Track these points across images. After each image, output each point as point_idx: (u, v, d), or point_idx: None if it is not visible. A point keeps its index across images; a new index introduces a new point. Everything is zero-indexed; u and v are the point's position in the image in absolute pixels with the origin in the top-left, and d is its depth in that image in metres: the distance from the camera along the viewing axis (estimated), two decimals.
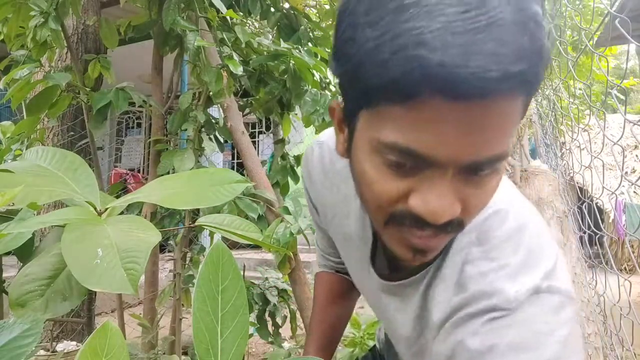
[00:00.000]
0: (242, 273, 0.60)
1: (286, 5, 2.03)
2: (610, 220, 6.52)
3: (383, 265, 0.69)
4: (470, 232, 0.56)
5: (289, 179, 1.99)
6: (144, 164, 7.04)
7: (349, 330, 1.34)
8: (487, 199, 0.49)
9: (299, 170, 2.05)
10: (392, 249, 0.54)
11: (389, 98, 0.42)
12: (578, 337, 0.51)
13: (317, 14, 2.43)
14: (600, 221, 2.15)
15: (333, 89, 2.05)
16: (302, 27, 2.01)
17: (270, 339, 1.88)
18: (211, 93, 1.55)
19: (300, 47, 1.78)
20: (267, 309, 1.88)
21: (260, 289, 1.89)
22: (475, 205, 0.48)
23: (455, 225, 0.49)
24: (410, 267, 0.61)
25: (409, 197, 0.46)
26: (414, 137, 0.43)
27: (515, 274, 0.52)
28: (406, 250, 0.52)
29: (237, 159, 6.78)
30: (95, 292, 2.38)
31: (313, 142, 0.82)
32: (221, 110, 1.67)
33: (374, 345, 1.08)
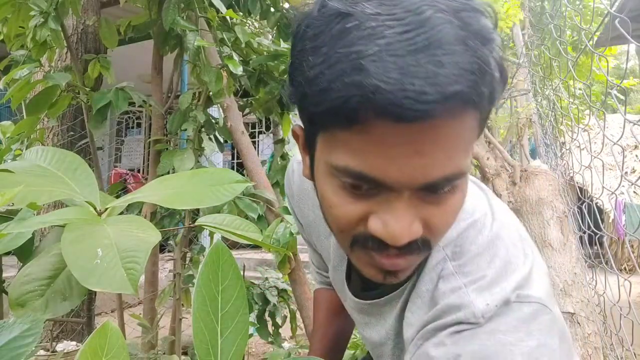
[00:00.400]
0: (242, 273, 0.60)
1: (286, 5, 2.03)
2: (610, 220, 6.52)
3: (357, 285, 0.68)
4: (446, 247, 0.56)
5: None
6: (144, 164, 7.04)
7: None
8: (451, 218, 0.48)
9: None
10: (362, 272, 0.52)
11: (335, 123, 0.42)
12: (553, 346, 0.48)
13: None
14: (600, 221, 2.15)
15: None
16: None
17: (270, 339, 1.88)
18: (211, 93, 1.55)
19: None
20: (267, 309, 1.88)
21: (260, 289, 1.89)
22: (438, 224, 0.47)
23: (421, 245, 0.48)
24: (384, 286, 0.60)
25: (368, 220, 0.46)
26: (364, 161, 0.42)
27: (487, 286, 0.51)
28: (376, 271, 0.51)
29: (237, 159, 6.78)
30: (95, 292, 2.38)
31: (292, 160, 0.83)
32: (221, 110, 1.67)
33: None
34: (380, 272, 0.50)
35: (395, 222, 0.44)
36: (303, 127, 0.52)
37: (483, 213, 0.58)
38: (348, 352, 1.65)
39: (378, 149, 0.41)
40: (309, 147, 0.51)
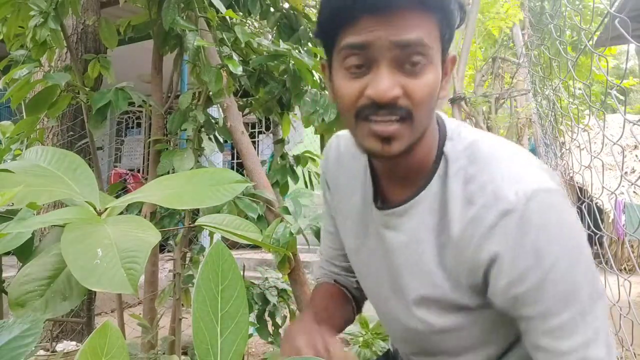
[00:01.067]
0: (241, 273, 0.61)
1: (286, 5, 2.03)
2: (610, 220, 6.52)
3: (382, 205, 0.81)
4: (459, 159, 0.72)
5: (289, 178, 1.99)
6: (143, 164, 7.04)
7: (357, 330, 1.33)
8: (426, 90, 0.65)
9: (298, 170, 2.05)
10: (366, 147, 0.69)
11: (338, 26, 0.66)
12: (574, 222, 0.67)
13: (317, 14, 2.42)
14: (599, 221, 2.15)
15: None
16: (302, 27, 2.01)
17: (270, 339, 1.88)
18: (211, 93, 1.55)
19: (300, 47, 1.78)
20: (267, 309, 1.88)
21: (260, 289, 1.89)
22: (414, 92, 0.64)
23: (405, 112, 0.65)
24: (406, 197, 0.75)
25: (365, 91, 0.65)
26: (357, 36, 0.64)
27: (509, 180, 0.66)
28: (374, 140, 0.67)
29: (237, 159, 6.78)
30: (95, 292, 2.38)
31: (331, 139, 0.98)
32: (221, 110, 1.67)
33: (388, 350, 1.09)
34: (378, 140, 0.66)
35: (380, 83, 0.63)
36: (326, 60, 0.73)
37: (478, 135, 0.75)
38: (356, 348, 1.64)
39: (364, 31, 0.63)
40: (329, 66, 0.72)
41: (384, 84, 0.63)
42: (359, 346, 1.27)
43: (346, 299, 0.99)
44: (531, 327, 0.67)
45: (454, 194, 0.70)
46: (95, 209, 0.70)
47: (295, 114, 2.15)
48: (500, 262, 0.65)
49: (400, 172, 0.76)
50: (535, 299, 0.64)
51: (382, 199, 0.81)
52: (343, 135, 0.93)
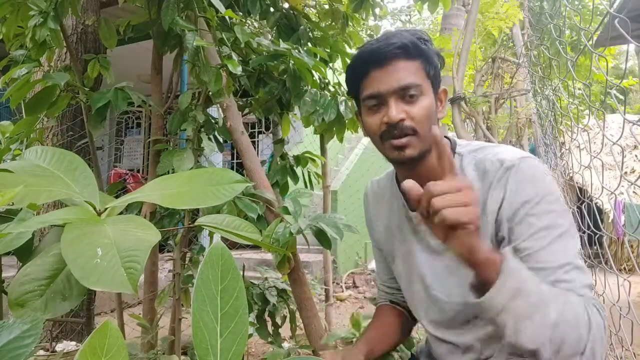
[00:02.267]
0: (241, 273, 0.61)
1: (285, 5, 2.03)
2: (610, 220, 6.52)
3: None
4: (469, 152, 1.00)
5: (289, 179, 1.99)
6: (143, 164, 7.03)
7: (350, 332, 1.34)
8: (423, 112, 0.94)
9: (298, 170, 2.05)
10: (389, 157, 0.99)
11: (358, 84, 1.00)
12: (555, 182, 0.94)
13: (317, 14, 2.42)
14: (599, 221, 2.15)
15: (332, 89, 2.05)
16: (302, 27, 2.01)
17: (269, 339, 1.88)
18: (210, 93, 1.55)
19: (299, 47, 1.78)
20: (267, 309, 1.87)
21: (260, 289, 1.89)
22: (415, 114, 0.94)
23: (411, 129, 0.94)
24: None
25: (382, 120, 0.96)
26: (371, 88, 0.97)
27: (508, 152, 0.95)
28: (393, 150, 0.96)
29: (237, 159, 6.78)
30: (95, 292, 2.38)
31: (367, 184, 1.28)
32: (220, 110, 1.67)
33: (412, 355, 1.27)
34: (396, 150, 0.96)
35: (390, 112, 0.94)
36: (357, 109, 1.07)
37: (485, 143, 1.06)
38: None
39: (374, 81, 0.96)
40: (360, 115, 1.05)
41: (393, 112, 0.94)
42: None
43: (399, 314, 1.24)
44: (527, 251, 0.87)
45: (471, 177, 0.96)
46: (95, 208, 0.69)
47: (295, 114, 2.15)
48: (505, 200, 0.90)
49: (423, 177, 0.94)
50: (529, 223, 0.88)
51: (411, 207, 1.06)
52: (375, 180, 1.25)
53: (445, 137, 1.04)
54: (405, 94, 0.94)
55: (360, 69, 0.98)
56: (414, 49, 0.95)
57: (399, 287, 1.20)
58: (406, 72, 0.94)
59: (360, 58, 0.98)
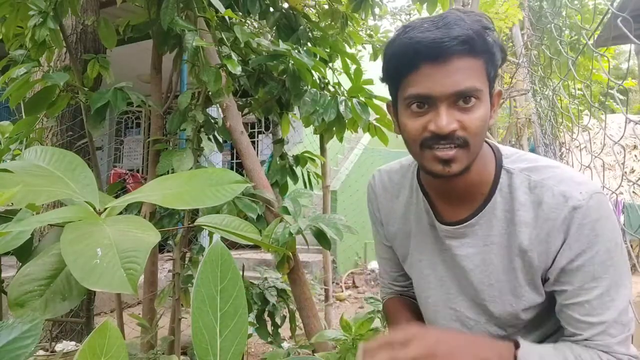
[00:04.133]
0: (241, 273, 0.61)
1: (285, 5, 2.03)
2: None
3: (442, 221, 0.94)
4: (521, 172, 0.86)
5: (288, 179, 1.99)
6: (143, 164, 7.03)
7: (341, 333, 1.33)
8: (478, 123, 0.79)
9: (298, 170, 2.05)
10: (429, 169, 0.82)
11: (402, 74, 0.80)
12: (615, 219, 0.83)
13: (316, 14, 2.43)
14: None
15: (332, 89, 2.05)
16: (301, 27, 2.01)
17: (269, 339, 1.88)
18: (210, 93, 1.55)
19: (299, 47, 1.78)
20: (266, 309, 1.87)
21: (260, 289, 1.89)
22: (469, 125, 0.78)
23: (462, 142, 0.79)
24: (467, 213, 0.90)
25: (428, 127, 0.79)
26: (419, 87, 0.78)
27: (572, 183, 0.82)
28: (437, 163, 0.80)
29: (237, 159, 6.78)
30: (95, 292, 2.38)
31: (372, 175, 1.13)
32: (220, 110, 1.67)
33: None
34: (440, 163, 0.80)
35: (440, 120, 0.77)
36: (390, 100, 0.89)
37: (536, 155, 0.93)
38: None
39: (425, 78, 0.77)
40: (394, 108, 0.88)
41: (444, 120, 0.77)
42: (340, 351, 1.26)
43: (413, 305, 1.13)
44: (568, 301, 0.82)
45: (522, 201, 0.85)
46: (94, 208, 0.69)
47: (295, 114, 2.15)
48: (566, 244, 0.81)
49: (459, 191, 0.90)
50: (580, 272, 0.80)
51: (440, 217, 0.95)
52: (384, 170, 1.11)
53: (486, 142, 0.91)
54: (460, 100, 0.77)
55: (409, 61, 0.77)
56: (480, 43, 0.76)
57: (411, 282, 1.10)
58: (467, 74, 0.76)
59: (410, 47, 0.77)
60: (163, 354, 1.62)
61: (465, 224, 0.89)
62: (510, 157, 0.90)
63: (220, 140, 1.77)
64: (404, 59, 0.78)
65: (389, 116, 1.92)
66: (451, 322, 0.98)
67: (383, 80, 0.87)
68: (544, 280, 0.85)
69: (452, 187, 0.90)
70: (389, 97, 0.90)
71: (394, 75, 0.83)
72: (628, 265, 0.83)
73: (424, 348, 0.74)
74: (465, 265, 0.92)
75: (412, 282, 1.08)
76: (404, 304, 1.14)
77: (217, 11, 1.54)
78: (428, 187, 0.97)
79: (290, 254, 1.54)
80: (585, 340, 0.81)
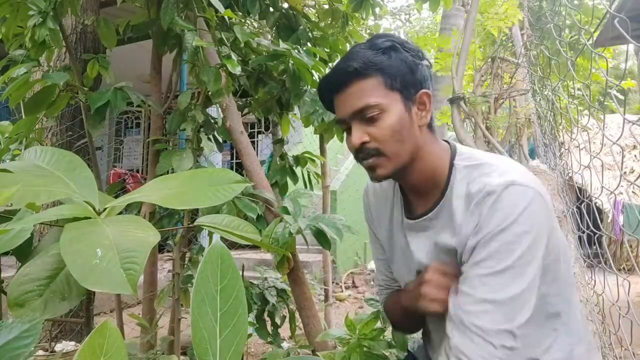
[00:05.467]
0: (240, 273, 0.61)
1: (285, 5, 2.03)
2: (609, 220, 6.52)
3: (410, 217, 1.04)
4: (462, 170, 0.93)
5: (288, 179, 1.99)
6: (143, 164, 7.03)
7: (345, 332, 1.33)
8: (386, 132, 0.91)
9: (297, 170, 2.05)
10: (368, 174, 0.96)
11: (331, 106, 1.00)
12: (542, 212, 0.85)
13: (316, 14, 2.42)
14: (599, 221, 2.15)
15: None
16: (301, 27, 2.01)
17: (269, 339, 1.88)
18: (210, 93, 1.55)
19: (299, 47, 1.78)
20: (266, 309, 1.87)
21: (259, 289, 1.89)
22: (378, 135, 0.91)
23: (375, 151, 0.92)
24: (429, 206, 0.97)
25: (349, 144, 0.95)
26: (338, 114, 0.97)
27: (496, 174, 0.87)
28: (368, 170, 0.95)
29: (236, 159, 6.77)
30: (94, 292, 2.37)
31: (366, 183, 1.19)
32: (220, 110, 1.67)
33: (408, 353, 1.26)
34: (369, 170, 0.95)
35: (353, 137, 0.93)
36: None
37: (489, 154, 0.99)
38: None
39: (337, 106, 0.97)
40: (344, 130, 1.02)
41: (353, 137, 0.93)
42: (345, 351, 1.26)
43: None
44: (465, 274, 0.86)
45: (458, 194, 0.91)
46: (94, 208, 0.69)
47: (295, 114, 2.15)
48: (477, 227, 0.86)
49: (417, 188, 0.99)
50: (481, 250, 0.84)
51: (412, 211, 1.03)
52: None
53: (446, 141, 1.01)
54: (364, 116, 0.91)
55: (326, 96, 0.98)
56: (368, 66, 0.91)
57: None
58: (360, 94, 0.91)
59: (322, 85, 0.98)
60: (163, 354, 1.62)
61: (424, 217, 0.98)
62: (462, 155, 0.97)
63: (220, 140, 1.77)
64: (324, 97, 1.00)
65: None
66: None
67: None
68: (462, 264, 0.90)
69: (409, 185, 1.00)
70: None
71: (329, 109, 1.01)
72: (537, 263, 0.83)
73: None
74: (419, 257, 1.00)
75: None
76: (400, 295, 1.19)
77: (217, 11, 1.54)
78: (403, 186, 1.07)
79: (290, 254, 1.54)
80: (462, 315, 0.82)
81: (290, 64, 1.73)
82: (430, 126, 0.97)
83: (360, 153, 0.93)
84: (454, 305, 0.86)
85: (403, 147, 0.92)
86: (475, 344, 0.80)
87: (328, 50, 2.11)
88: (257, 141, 7.19)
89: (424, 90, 0.95)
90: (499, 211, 0.83)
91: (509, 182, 0.85)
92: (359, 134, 0.91)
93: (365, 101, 0.90)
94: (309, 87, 1.86)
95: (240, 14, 1.93)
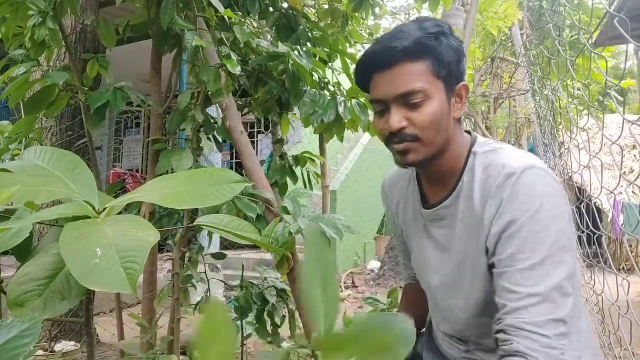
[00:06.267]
0: (240, 273, 0.61)
1: (285, 5, 2.03)
2: (609, 220, 6.52)
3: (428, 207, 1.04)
4: (481, 155, 0.94)
5: (288, 179, 1.99)
6: (142, 164, 7.03)
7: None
8: (427, 118, 0.89)
9: (297, 170, 2.05)
10: (395, 161, 0.96)
11: (366, 84, 0.97)
12: (561, 197, 0.87)
13: (316, 14, 2.42)
14: (598, 221, 2.15)
15: (332, 88, 2.05)
16: (301, 27, 2.01)
17: (269, 339, 1.88)
18: (210, 93, 1.55)
19: (299, 47, 1.78)
20: (266, 309, 1.87)
21: (259, 289, 1.89)
22: (417, 121, 0.89)
23: (412, 137, 0.90)
24: (439, 199, 0.99)
25: (385, 126, 0.92)
26: (375, 93, 0.94)
27: (515, 158, 0.89)
28: (397, 154, 0.93)
29: (236, 159, 6.77)
30: (94, 292, 2.37)
31: (385, 177, 1.23)
32: (220, 110, 1.67)
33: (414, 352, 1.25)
34: (399, 154, 0.93)
35: (391, 119, 0.90)
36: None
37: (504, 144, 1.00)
38: None
39: (377, 86, 0.93)
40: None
41: (393, 120, 0.90)
42: None
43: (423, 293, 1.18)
44: (501, 269, 0.85)
45: (477, 178, 0.92)
46: (94, 208, 0.69)
47: (295, 114, 2.15)
48: (499, 212, 0.86)
49: (438, 176, 0.98)
50: (514, 242, 0.83)
51: (427, 201, 1.04)
52: (392, 170, 1.21)
53: (467, 132, 1.00)
54: (407, 101, 0.88)
55: (365, 72, 0.94)
56: (419, 49, 0.88)
57: None
58: (408, 77, 0.88)
59: (363, 61, 0.94)
60: (162, 354, 1.62)
61: (441, 205, 0.98)
62: (480, 144, 0.97)
63: (220, 140, 1.77)
64: (362, 72, 0.96)
65: None
66: (444, 303, 1.04)
67: (363, 91, 1.02)
68: (487, 253, 0.89)
69: (431, 172, 0.99)
70: None
71: (362, 86, 0.99)
72: (570, 244, 0.84)
73: None
74: (444, 245, 1.00)
75: None
76: (415, 293, 1.23)
77: (217, 11, 1.54)
78: (421, 176, 1.07)
79: (290, 254, 1.54)
80: (512, 313, 0.81)
81: (290, 65, 1.73)
82: (459, 119, 0.97)
83: (395, 137, 0.91)
84: (505, 317, 0.82)
85: (438, 137, 0.91)
86: (533, 340, 0.78)
87: (328, 51, 2.11)
88: (257, 141, 7.19)
89: (463, 83, 0.95)
90: (520, 194, 0.84)
91: (529, 165, 0.86)
92: (399, 118, 0.89)
93: (412, 86, 0.88)
94: (309, 87, 1.86)
95: (240, 14, 1.93)
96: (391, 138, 0.92)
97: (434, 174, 0.99)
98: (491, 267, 0.88)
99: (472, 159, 0.95)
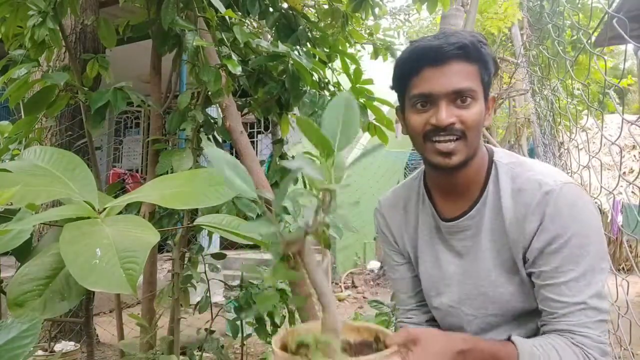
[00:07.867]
0: (240, 273, 0.61)
1: (284, 5, 2.03)
2: (608, 220, 6.52)
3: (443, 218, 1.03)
4: (505, 165, 0.96)
5: None
6: (142, 164, 7.03)
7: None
8: (475, 117, 0.91)
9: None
10: (432, 161, 0.94)
11: (407, 80, 0.94)
12: (595, 209, 0.91)
13: (316, 14, 2.42)
14: None
15: (332, 88, 2.04)
16: (301, 27, 2.01)
17: (268, 339, 1.88)
18: (210, 93, 1.55)
19: (299, 47, 1.78)
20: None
21: (259, 289, 1.89)
22: (466, 119, 0.90)
23: (460, 133, 0.90)
24: (466, 207, 0.99)
25: (429, 120, 0.91)
26: (422, 87, 0.92)
27: (547, 174, 0.92)
28: (438, 155, 0.92)
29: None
30: (94, 292, 2.37)
31: (376, 206, 1.18)
32: (220, 110, 1.67)
33: None
34: (440, 155, 0.91)
35: (440, 114, 0.90)
36: (399, 105, 1.01)
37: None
38: None
39: (427, 80, 0.91)
40: (402, 112, 1.00)
41: (444, 114, 0.89)
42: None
43: None
44: (545, 282, 0.89)
45: (504, 188, 0.94)
46: (93, 208, 0.69)
47: (295, 114, 2.15)
48: (542, 227, 0.89)
49: (460, 186, 0.99)
50: (558, 256, 0.88)
51: (440, 214, 1.03)
52: (387, 193, 1.19)
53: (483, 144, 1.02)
54: (458, 98, 0.90)
55: (413, 65, 0.92)
56: (474, 51, 0.90)
57: (425, 312, 1.13)
58: (463, 76, 0.90)
59: (414, 54, 0.92)
60: (162, 354, 1.62)
61: (465, 216, 0.98)
62: (499, 154, 1.00)
63: (220, 140, 1.77)
64: (409, 65, 0.93)
65: (387, 116, 1.92)
66: (455, 320, 1.04)
67: (392, 88, 1.01)
68: (525, 261, 0.93)
69: (454, 182, 0.99)
70: (390, 100, 1.00)
71: (402, 79, 0.96)
72: (606, 251, 0.91)
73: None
74: (465, 255, 1.00)
75: (426, 312, 1.12)
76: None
77: (217, 11, 1.54)
78: (432, 186, 1.06)
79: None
80: (561, 318, 0.87)
81: (289, 65, 1.73)
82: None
83: (442, 131, 0.90)
84: (553, 321, 0.89)
85: (477, 140, 0.94)
86: (587, 336, 0.85)
87: (327, 51, 2.11)
88: (257, 141, 7.19)
89: (493, 95, 1.00)
90: (563, 211, 0.87)
91: (564, 181, 0.90)
92: (449, 113, 0.89)
93: (467, 84, 0.90)
94: (309, 87, 1.86)
95: (240, 14, 1.93)
96: (435, 133, 0.91)
97: (454, 184, 0.99)
98: (529, 274, 0.93)
99: (494, 168, 0.97)
